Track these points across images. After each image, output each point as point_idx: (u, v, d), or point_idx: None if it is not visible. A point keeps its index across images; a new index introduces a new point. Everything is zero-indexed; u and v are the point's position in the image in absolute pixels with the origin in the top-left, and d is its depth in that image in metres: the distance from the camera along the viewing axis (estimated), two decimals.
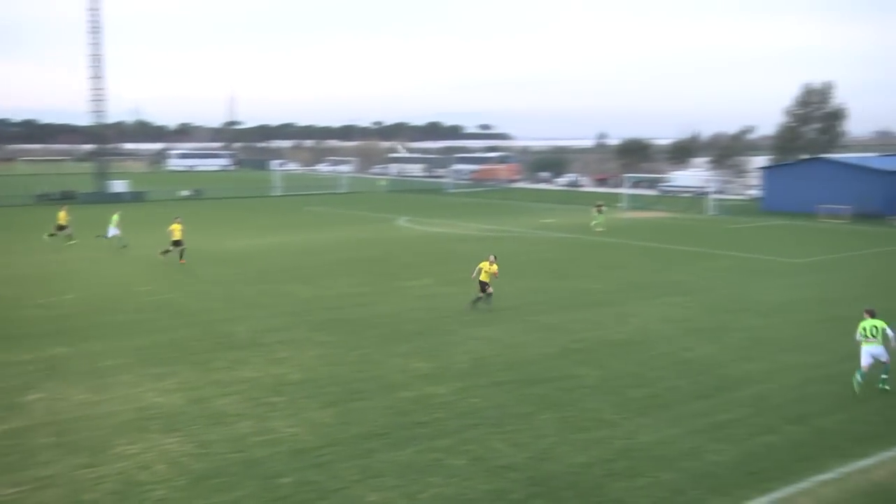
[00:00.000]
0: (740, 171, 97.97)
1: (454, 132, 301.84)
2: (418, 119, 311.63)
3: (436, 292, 30.49)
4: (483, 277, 27.20)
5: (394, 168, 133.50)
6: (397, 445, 15.24)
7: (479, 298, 27.27)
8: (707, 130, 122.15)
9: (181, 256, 37.26)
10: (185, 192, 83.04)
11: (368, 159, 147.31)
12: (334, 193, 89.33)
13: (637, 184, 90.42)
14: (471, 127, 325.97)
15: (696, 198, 76.74)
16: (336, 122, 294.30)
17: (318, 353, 21.82)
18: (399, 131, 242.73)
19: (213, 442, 15.34)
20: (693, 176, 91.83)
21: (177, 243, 37.62)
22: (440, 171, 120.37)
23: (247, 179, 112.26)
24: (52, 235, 44.21)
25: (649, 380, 19.45)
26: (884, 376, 18.76)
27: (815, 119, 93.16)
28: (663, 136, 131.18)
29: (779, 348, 22.48)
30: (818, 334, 24.21)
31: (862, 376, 18.62)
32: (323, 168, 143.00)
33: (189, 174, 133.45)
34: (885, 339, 18.57)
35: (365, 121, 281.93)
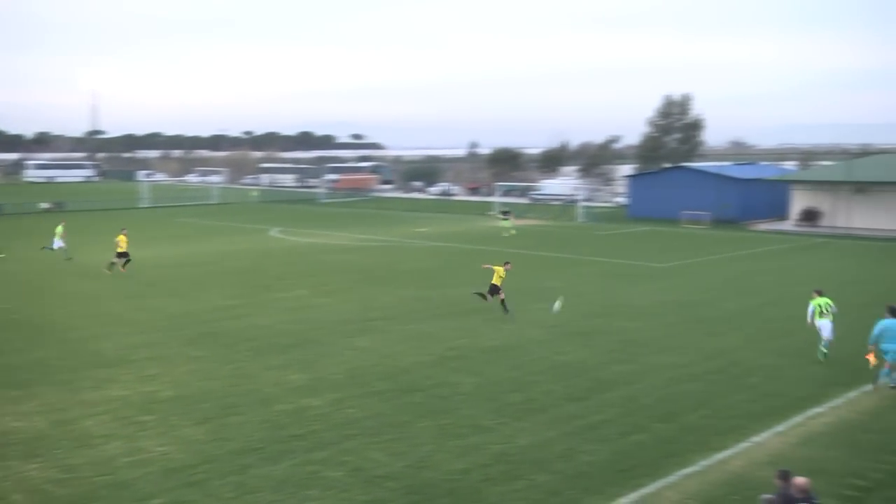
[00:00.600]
0: (607, 179, 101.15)
1: (326, 142, 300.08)
2: (290, 129, 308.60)
3: (310, 303, 30.20)
4: (496, 280, 28.19)
5: (265, 178, 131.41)
6: (273, 460, 15.01)
7: (482, 294, 28.61)
8: (575, 140, 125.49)
9: (123, 266, 36.71)
10: (44, 205, 79.30)
11: (239, 169, 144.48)
12: (205, 204, 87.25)
13: (508, 192, 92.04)
14: (343, 136, 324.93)
15: (566, 205, 78.73)
16: (205, 131, 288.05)
17: (190, 368, 21.25)
18: (270, 141, 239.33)
19: (79, 466, 14.70)
20: (563, 184, 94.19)
21: (122, 255, 36.83)
22: (313, 181, 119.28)
23: (112, 191, 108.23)
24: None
25: (525, 384, 19.82)
26: (824, 350, 22.26)
27: (676, 129, 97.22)
28: (533, 145, 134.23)
29: (646, 350, 23.30)
30: (682, 335, 25.23)
31: (825, 346, 22.20)
32: (193, 179, 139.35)
33: (49, 186, 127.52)
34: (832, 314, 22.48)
35: (235, 130, 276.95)
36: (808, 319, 22.52)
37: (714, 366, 21.68)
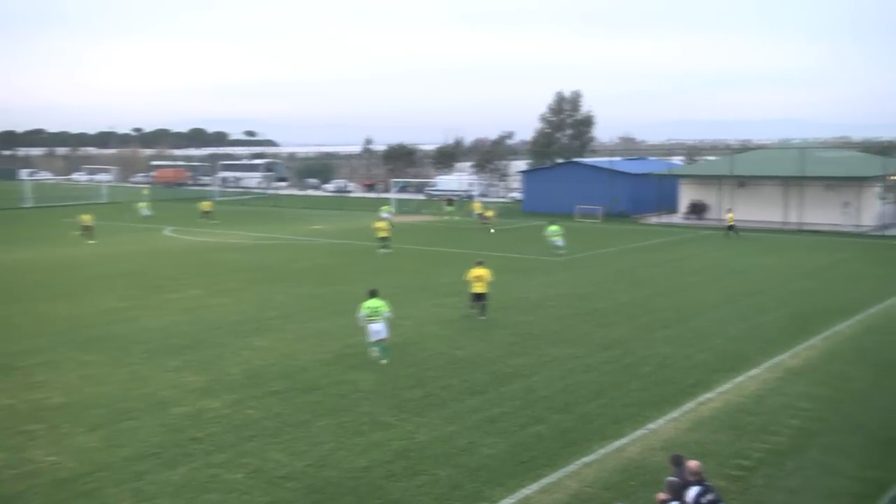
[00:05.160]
0: (502, 175, 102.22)
1: (219, 139, 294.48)
2: (181, 125, 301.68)
3: (205, 304, 29.61)
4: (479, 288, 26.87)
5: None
6: (171, 464, 14.69)
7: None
8: (469, 136, 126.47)
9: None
10: None
11: (129, 167, 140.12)
12: (94, 203, 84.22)
13: (404, 188, 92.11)
14: (236, 133, 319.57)
15: (462, 201, 79.24)
16: (91, 128, 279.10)
17: (81, 373, 20.57)
18: (161, 138, 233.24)
19: None
20: (458, 180, 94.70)
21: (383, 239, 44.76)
22: (205, 179, 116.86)
23: None
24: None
25: (424, 380, 19.93)
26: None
27: (568, 125, 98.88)
28: (428, 141, 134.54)
29: (542, 342, 23.72)
30: (577, 327, 25.79)
31: None
32: (80, 177, 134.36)
33: None
34: None
35: (124, 127, 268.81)
36: None
37: (608, 356, 22.25)
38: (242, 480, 14.03)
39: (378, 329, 21.44)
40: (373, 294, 22.02)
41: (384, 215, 56.49)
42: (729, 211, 54.13)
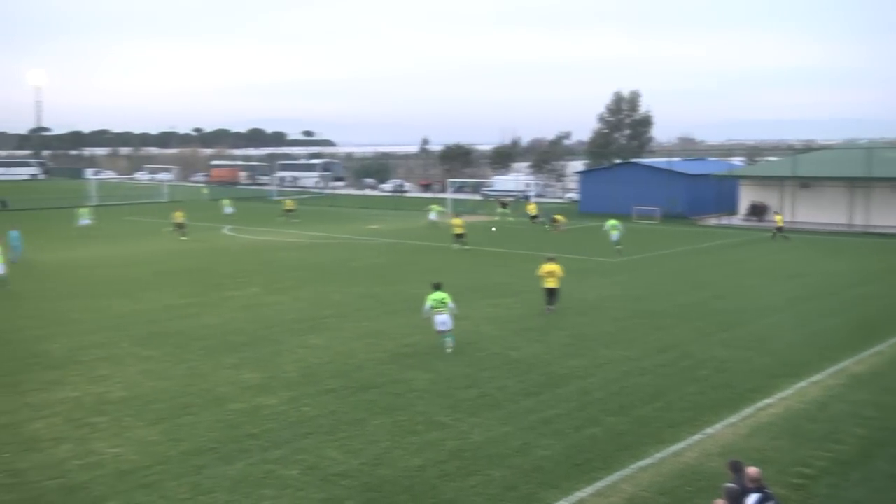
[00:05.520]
0: (559, 175, 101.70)
1: (277, 139, 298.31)
2: (240, 125, 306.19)
3: (262, 302, 29.98)
4: (551, 284, 27.78)
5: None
6: (228, 459, 14.89)
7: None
8: (526, 136, 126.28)
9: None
10: None
11: (189, 167, 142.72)
12: (155, 202, 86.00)
13: (460, 188, 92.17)
14: (294, 133, 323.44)
15: (518, 202, 78.98)
16: (153, 128, 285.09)
17: (142, 368, 20.98)
18: (220, 138, 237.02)
19: (26, 470, 14.43)
20: (514, 180, 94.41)
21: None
22: (264, 179, 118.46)
23: (59, 189, 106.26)
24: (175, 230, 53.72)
25: (479, 380, 19.90)
26: None
27: (626, 125, 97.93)
28: (485, 141, 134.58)
29: (598, 344, 23.52)
30: (633, 329, 25.52)
31: None
32: (142, 176, 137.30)
33: None
34: None
35: (184, 127, 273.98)
36: None
37: (665, 359, 21.97)
38: (298, 477, 14.16)
39: (444, 320, 22.21)
40: (437, 287, 22.71)
41: (431, 216, 59.11)
42: (776, 213, 54.76)
